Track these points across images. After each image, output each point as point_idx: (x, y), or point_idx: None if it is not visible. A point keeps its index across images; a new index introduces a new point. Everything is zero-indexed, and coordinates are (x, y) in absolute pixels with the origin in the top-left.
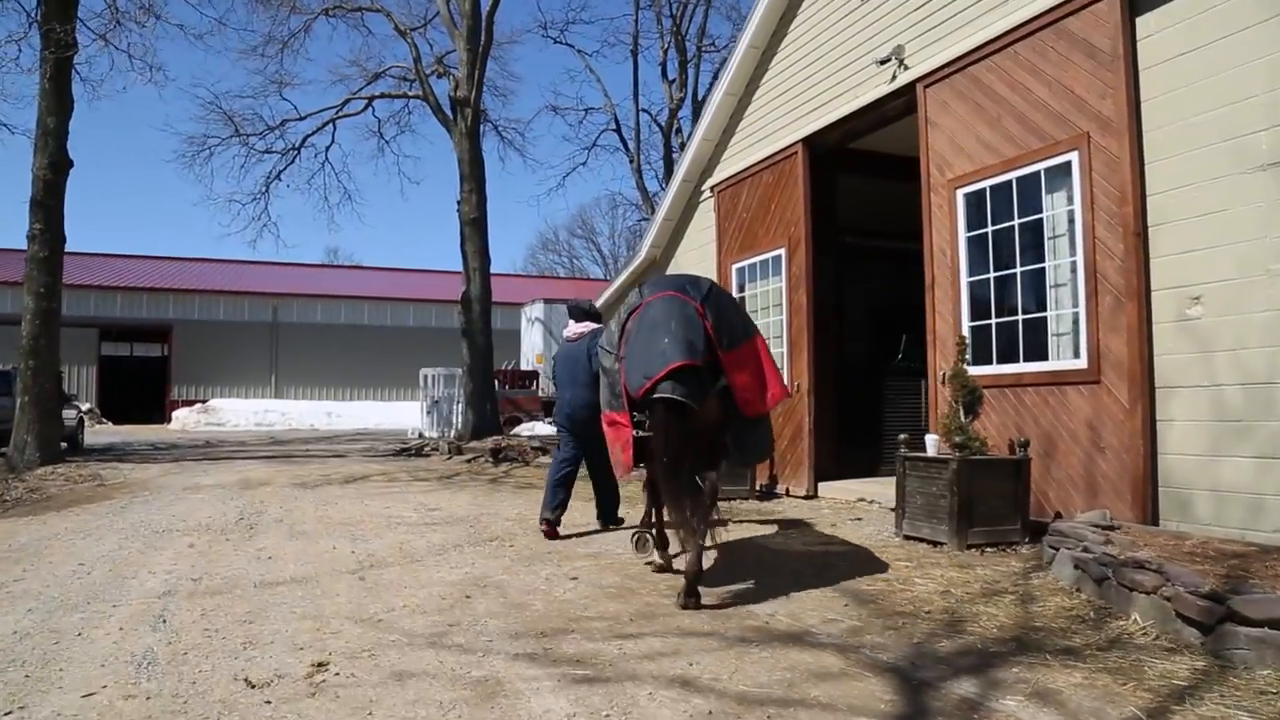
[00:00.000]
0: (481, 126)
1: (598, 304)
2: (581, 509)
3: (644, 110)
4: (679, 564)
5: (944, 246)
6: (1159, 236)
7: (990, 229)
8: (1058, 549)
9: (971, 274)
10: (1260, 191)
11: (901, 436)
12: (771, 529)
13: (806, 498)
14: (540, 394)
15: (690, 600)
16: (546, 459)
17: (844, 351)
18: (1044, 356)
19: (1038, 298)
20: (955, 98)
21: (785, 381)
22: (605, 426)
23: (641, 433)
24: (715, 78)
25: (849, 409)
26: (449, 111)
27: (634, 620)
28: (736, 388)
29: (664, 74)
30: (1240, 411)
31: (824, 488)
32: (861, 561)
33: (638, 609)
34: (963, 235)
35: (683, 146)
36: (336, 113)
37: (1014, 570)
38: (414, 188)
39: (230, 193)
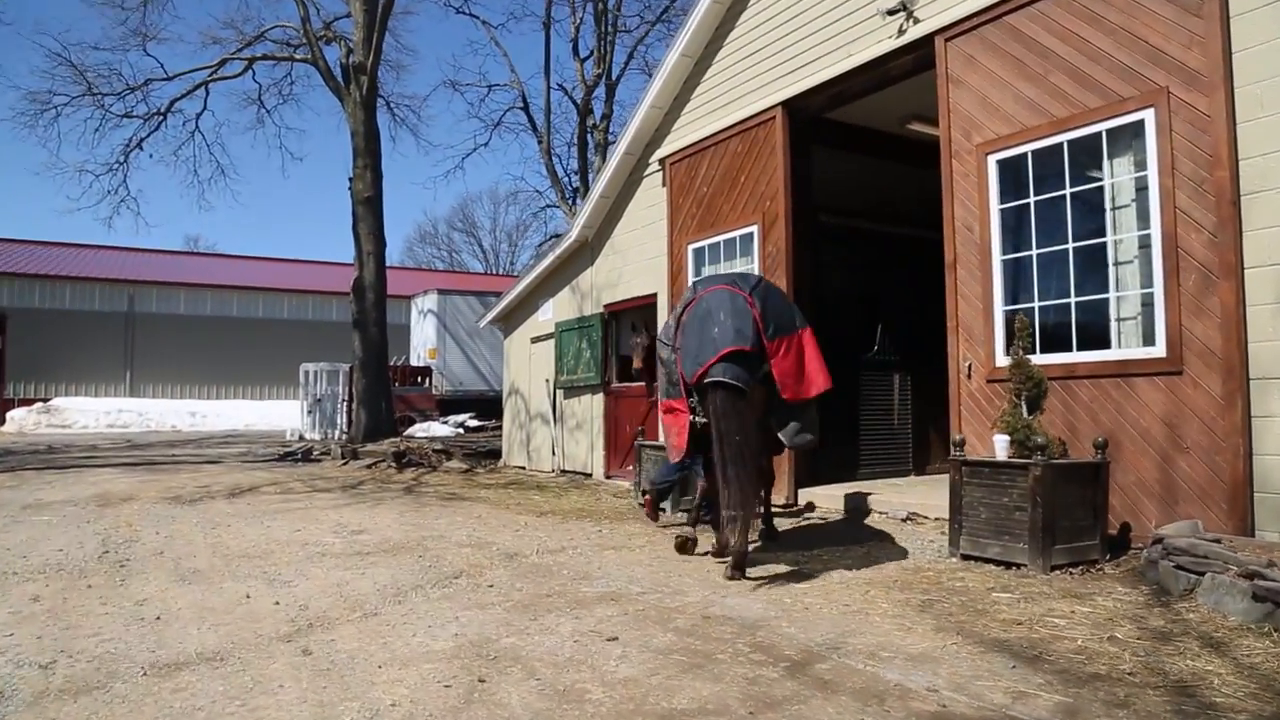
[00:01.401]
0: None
1: (511, 296)
2: (546, 527)
3: (559, 86)
4: (733, 600)
5: (970, 220)
6: (1254, 207)
7: (1032, 199)
8: (1199, 573)
9: (1006, 251)
10: None
11: (957, 437)
12: (786, 549)
13: (786, 507)
14: (435, 392)
15: (737, 573)
16: (455, 464)
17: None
18: (1104, 344)
19: (1095, 277)
20: (986, 51)
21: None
22: (662, 414)
23: (698, 419)
24: (631, 55)
25: (823, 405)
26: (341, 79)
27: (758, 713)
28: (777, 373)
29: (575, 51)
30: None
31: (804, 494)
32: (949, 595)
33: (742, 690)
34: (995, 207)
35: (594, 129)
36: (211, 74)
37: (1140, 600)
38: (297, 169)
39: (81, 162)
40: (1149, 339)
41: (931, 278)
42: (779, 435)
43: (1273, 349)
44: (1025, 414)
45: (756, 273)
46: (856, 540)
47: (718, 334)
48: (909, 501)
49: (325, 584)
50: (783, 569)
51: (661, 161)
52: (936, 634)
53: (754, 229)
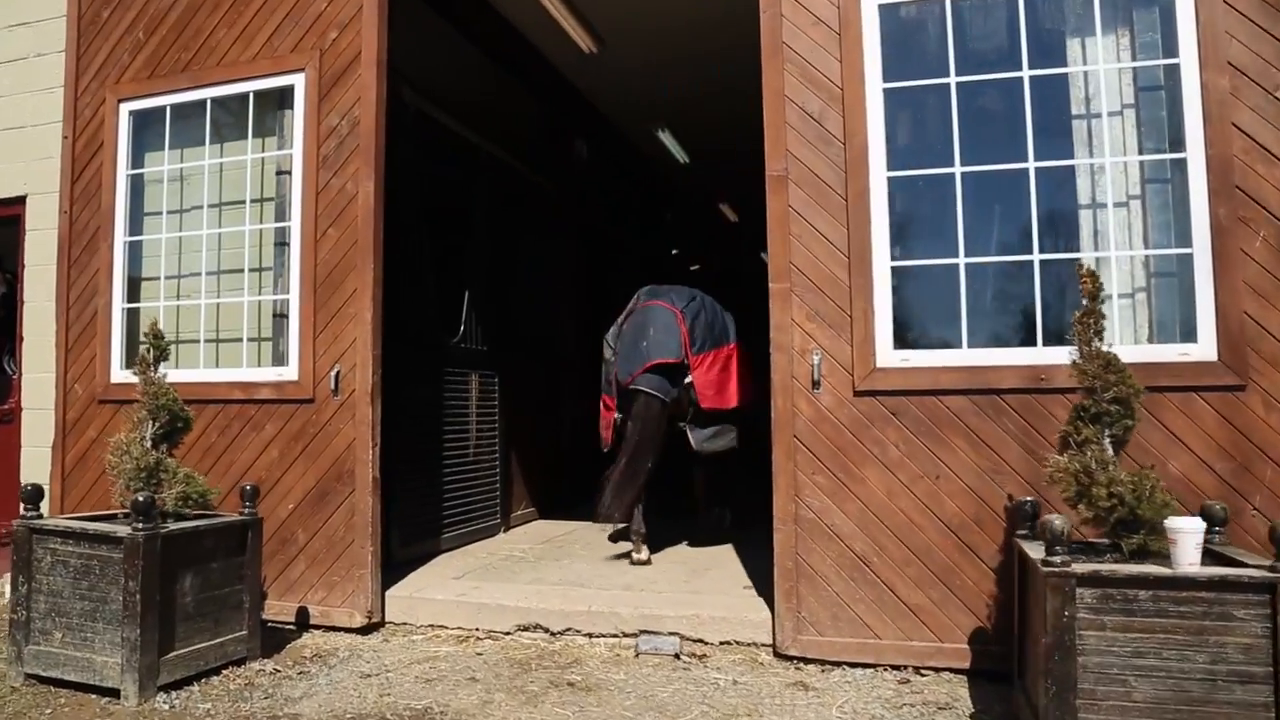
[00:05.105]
0: None
1: None
2: None
3: None
4: None
5: (818, 104)
6: None
7: (953, 79)
8: None
9: (897, 165)
10: None
11: (1037, 506)
12: None
13: (367, 630)
14: None
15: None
16: None
17: (395, 316)
18: (1055, 337)
19: (1054, 226)
20: None
21: (746, 391)
22: (602, 408)
23: (617, 415)
24: None
25: (398, 428)
26: None
27: None
28: (698, 384)
29: None
30: None
31: (396, 602)
32: None
33: None
34: (876, 85)
35: None
36: None
37: None
38: None
39: None
40: (1184, 332)
41: (539, 236)
42: (690, 438)
43: None
44: (1110, 455)
45: (298, 148)
46: None
47: (646, 347)
48: (637, 607)
49: None
50: None
51: None
52: None
53: (297, 80)
